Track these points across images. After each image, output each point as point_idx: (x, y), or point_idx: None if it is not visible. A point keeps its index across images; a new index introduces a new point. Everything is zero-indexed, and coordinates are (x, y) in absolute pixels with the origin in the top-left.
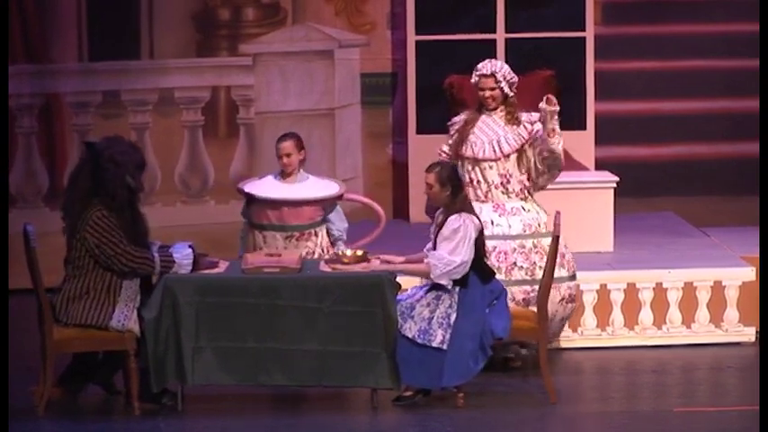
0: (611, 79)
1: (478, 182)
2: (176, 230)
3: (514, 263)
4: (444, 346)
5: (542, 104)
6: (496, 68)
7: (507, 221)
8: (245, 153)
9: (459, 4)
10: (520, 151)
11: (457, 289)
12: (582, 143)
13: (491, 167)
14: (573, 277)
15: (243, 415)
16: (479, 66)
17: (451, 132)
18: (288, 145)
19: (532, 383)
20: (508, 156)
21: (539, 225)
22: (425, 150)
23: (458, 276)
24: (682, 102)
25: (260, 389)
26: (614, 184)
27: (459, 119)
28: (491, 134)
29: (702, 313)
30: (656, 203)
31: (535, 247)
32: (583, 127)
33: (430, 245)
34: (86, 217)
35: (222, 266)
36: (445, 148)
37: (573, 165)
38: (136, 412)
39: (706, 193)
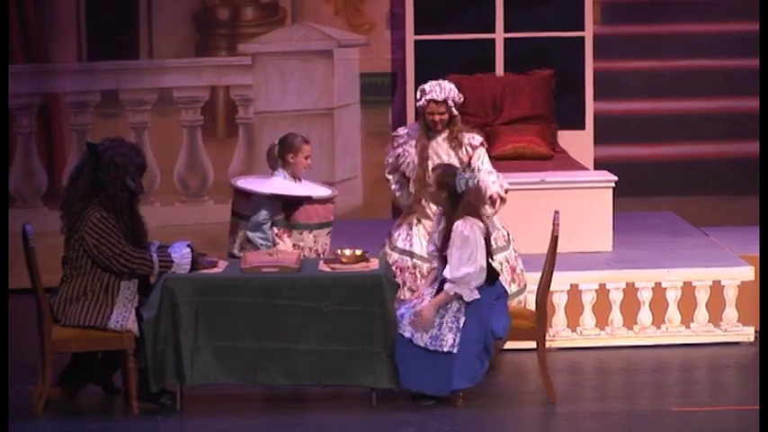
0: (610, 79)
1: (428, 202)
2: (175, 230)
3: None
4: (455, 350)
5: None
6: (448, 95)
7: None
8: (243, 153)
9: (458, 4)
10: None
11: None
12: (581, 143)
13: None
14: (522, 291)
15: (242, 415)
16: (428, 89)
17: (395, 144)
18: (310, 147)
19: (531, 383)
20: None
21: (497, 240)
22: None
23: (480, 283)
24: (680, 101)
25: (259, 388)
26: (613, 184)
27: (405, 132)
28: (437, 159)
29: (701, 313)
30: (655, 203)
31: (506, 260)
32: (582, 126)
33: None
34: (85, 217)
35: (221, 266)
36: (391, 160)
37: (572, 164)
38: (135, 412)
39: (705, 193)
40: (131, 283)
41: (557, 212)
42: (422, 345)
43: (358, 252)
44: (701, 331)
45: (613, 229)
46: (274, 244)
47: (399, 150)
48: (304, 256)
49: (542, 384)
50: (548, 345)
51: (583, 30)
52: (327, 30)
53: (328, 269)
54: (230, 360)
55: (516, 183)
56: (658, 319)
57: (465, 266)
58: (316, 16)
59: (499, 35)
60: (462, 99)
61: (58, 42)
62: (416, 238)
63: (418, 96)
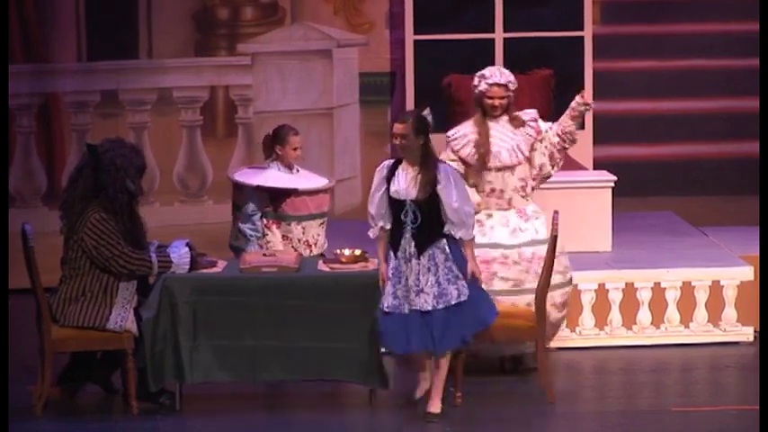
0: (610, 79)
1: (501, 190)
2: (175, 230)
3: (551, 267)
4: (463, 298)
5: (576, 101)
6: (510, 79)
7: (533, 226)
8: (243, 152)
9: (457, 4)
10: (531, 151)
11: (444, 240)
12: (580, 142)
13: (512, 173)
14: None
15: (241, 414)
16: (488, 74)
17: (456, 147)
18: (300, 138)
19: (531, 383)
20: (527, 158)
21: (551, 227)
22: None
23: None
24: (680, 101)
25: (258, 387)
26: (612, 184)
27: (461, 131)
28: (507, 140)
29: (700, 313)
30: (655, 203)
31: (560, 249)
32: (581, 126)
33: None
34: (85, 218)
35: (220, 266)
36: (453, 165)
37: (571, 164)
38: (134, 411)
39: (704, 193)
40: (130, 283)
41: (556, 212)
42: (429, 308)
43: (357, 252)
44: (701, 331)
45: (613, 229)
46: (264, 235)
47: (474, 149)
48: (294, 249)
49: (542, 384)
50: (547, 344)
51: (582, 29)
52: (327, 29)
53: (327, 269)
54: (229, 358)
55: None
56: (658, 319)
57: (467, 205)
58: (315, 16)
59: (499, 35)
60: (517, 85)
61: (58, 42)
62: (496, 230)
63: (476, 82)
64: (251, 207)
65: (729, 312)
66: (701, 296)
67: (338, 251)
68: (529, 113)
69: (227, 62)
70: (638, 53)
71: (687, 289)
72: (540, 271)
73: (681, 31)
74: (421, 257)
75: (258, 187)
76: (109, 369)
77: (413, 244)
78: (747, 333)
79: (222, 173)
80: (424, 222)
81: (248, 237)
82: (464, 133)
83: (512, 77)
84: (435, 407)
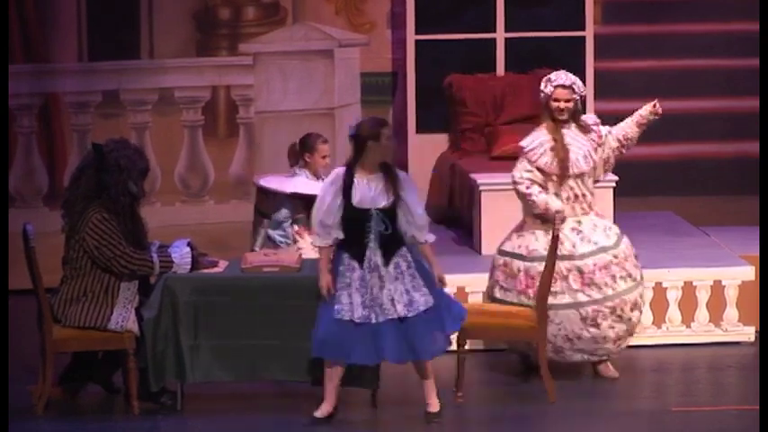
0: (611, 79)
1: (583, 195)
2: (176, 230)
3: (636, 257)
4: (430, 304)
5: (647, 110)
6: (574, 81)
7: (610, 224)
8: (244, 152)
9: (458, 4)
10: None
11: (405, 248)
12: None
13: (589, 177)
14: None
15: (242, 414)
16: (554, 77)
17: (533, 157)
18: (329, 146)
19: (532, 382)
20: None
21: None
22: (425, 150)
23: None
24: (681, 101)
25: (259, 387)
26: (614, 184)
27: (536, 141)
28: (581, 145)
29: (702, 312)
30: (656, 203)
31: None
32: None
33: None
34: (86, 218)
35: (221, 266)
36: (526, 175)
37: None
38: (135, 411)
39: (706, 193)
40: (131, 284)
41: (557, 212)
42: (400, 316)
43: None
44: (702, 331)
45: None
46: (294, 242)
47: (541, 161)
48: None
49: (543, 384)
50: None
51: (583, 29)
52: (328, 29)
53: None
54: (230, 358)
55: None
56: (659, 319)
57: (423, 208)
58: (316, 16)
59: (500, 35)
60: (584, 92)
61: (59, 42)
62: (595, 235)
63: (543, 86)
64: (283, 213)
65: (731, 312)
66: (703, 296)
67: None
68: (591, 118)
69: (229, 62)
70: (638, 53)
71: (688, 289)
72: (637, 263)
73: (681, 30)
74: (388, 266)
75: (293, 194)
76: (110, 369)
77: (379, 253)
78: (749, 333)
79: (224, 173)
80: (391, 230)
81: (278, 243)
82: (540, 142)
83: (577, 81)
84: (435, 406)
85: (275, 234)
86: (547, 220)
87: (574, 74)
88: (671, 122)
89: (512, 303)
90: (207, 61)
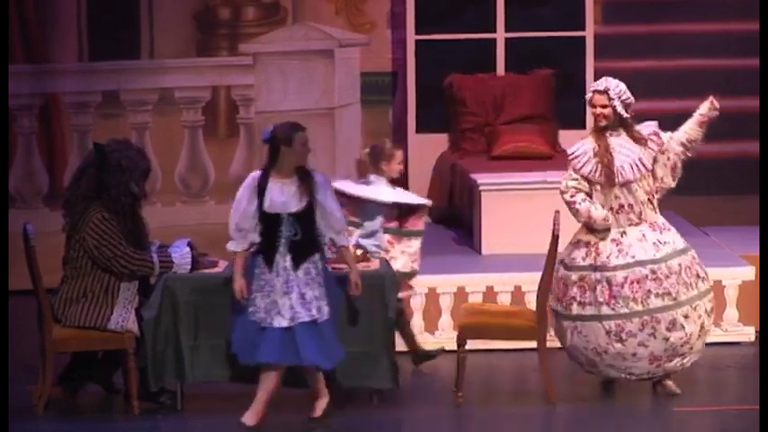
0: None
1: (630, 205)
2: (176, 230)
3: (697, 275)
4: (325, 317)
5: (706, 107)
6: (611, 85)
7: (670, 237)
8: (245, 153)
9: (458, 4)
10: (655, 163)
11: (317, 255)
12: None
13: (639, 187)
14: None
15: (241, 414)
16: (596, 82)
17: (579, 165)
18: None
19: (532, 383)
20: (651, 171)
21: (681, 235)
22: (425, 149)
23: None
24: (681, 101)
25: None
26: None
27: (581, 149)
28: (630, 153)
29: None
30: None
31: (695, 256)
32: (582, 126)
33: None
34: (87, 218)
35: (221, 266)
36: (572, 183)
37: None
38: (135, 411)
39: (706, 193)
40: (131, 284)
41: (557, 212)
42: (309, 319)
43: (358, 252)
44: None
45: None
46: (386, 251)
47: (585, 170)
48: (413, 264)
49: (543, 384)
50: (548, 344)
51: (583, 29)
52: (328, 29)
53: (329, 268)
54: (230, 358)
55: (517, 182)
56: None
57: (341, 212)
58: (316, 16)
59: (500, 35)
60: (632, 100)
61: (59, 42)
62: (635, 246)
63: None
64: (379, 222)
65: (731, 312)
66: None
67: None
68: (649, 126)
69: (229, 62)
70: (638, 53)
71: None
72: (688, 281)
73: (681, 30)
74: (297, 271)
75: (393, 203)
76: (110, 369)
77: (289, 258)
78: (749, 333)
79: (224, 173)
80: (303, 236)
81: (371, 252)
82: (584, 150)
83: (616, 87)
84: (252, 420)
85: (368, 243)
86: (594, 229)
87: (574, 74)
88: (671, 122)
89: (592, 317)
90: (207, 61)
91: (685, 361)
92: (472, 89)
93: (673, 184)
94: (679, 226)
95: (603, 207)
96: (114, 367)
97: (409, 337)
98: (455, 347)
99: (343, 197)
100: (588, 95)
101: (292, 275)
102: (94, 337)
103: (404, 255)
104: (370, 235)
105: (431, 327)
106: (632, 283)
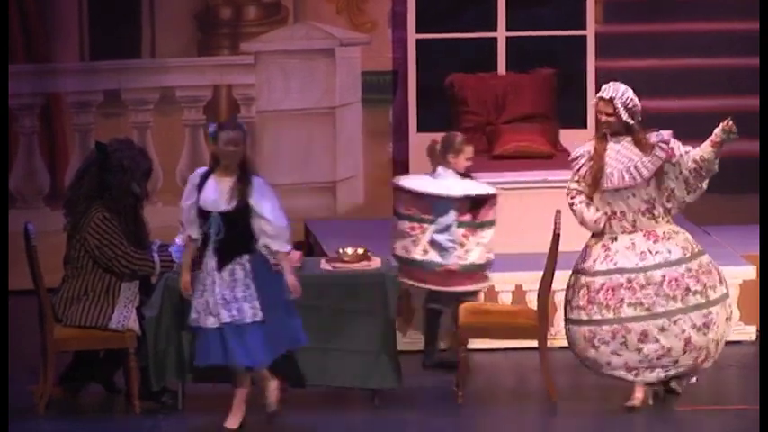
0: (612, 78)
1: (622, 212)
2: (177, 230)
3: (687, 288)
4: (257, 318)
5: (722, 128)
6: (615, 94)
7: (665, 247)
8: (246, 152)
9: (459, 3)
10: (659, 174)
11: (247, 257)
12: (583, 141)
13: (633, 195)
14: (728, 294)
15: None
16: (602, 88)
17: (577, 167)
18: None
19: (533, 382)
20: (648, 180)
21: (693, 245)
22: (426, 149)
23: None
24: (683, 100)
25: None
26: None
27: (582, 151)
28: (625, 161)
29: None
30: None
31: (700, 267)
32: (583, 125)
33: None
34: (88, 218)
35: None
36: (573, 186)
37: None
38: (136, 411)
39: (708, 192)
40: (132, 283)
41: (558, 212)
42: (229, 321)
43: (359, 250)
44: None
45: None
46: (461, 245)
47: (589, 171)
48: (488, 257)
49: (544, 383)
50: (549, 343)
51: (585, 28)
52: (329, 28)
53: (329, 268)
54: None
55: (518, 182)
56: None
57: (281, 218)
58: (318, 15)
59: (501, 34)
60: (638, 107)
61: (60, 42)
62: (620, 254)
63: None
64: (452, 217)
65: (732, 311)
66: None
67: (340, 250)
68: (661, 134)
69: (230, 61)
70: (640, 52)
71: None
72: (670, 293)
73: (683, 29)
74: (222, 272)
75: (465, 196)
76: (111, 368)
77: (214, 258)
78: (750, 332)
79: None
80: (228, 236)
81: (447, 248)
82: (583, 152)
83: (623, 96)
84: (234, 423)
85: (443, 238)
86: (593, 232)
87: (575, 73)
88: (672, 121)
89: (574, 321)
90: (208, 60)
91: (670, 373)
92: (473, 88)
93: (687, 198)
94: (680, 225)
95: (599, 211)
96: (115, 367)
97: (448, 338)
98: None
99: (410, 194)
100: (594, 101)
101: (217, 276)
102: (96, 336)
103: (479, 246)
104: (445, 230)
105: None
106: (608, 290)
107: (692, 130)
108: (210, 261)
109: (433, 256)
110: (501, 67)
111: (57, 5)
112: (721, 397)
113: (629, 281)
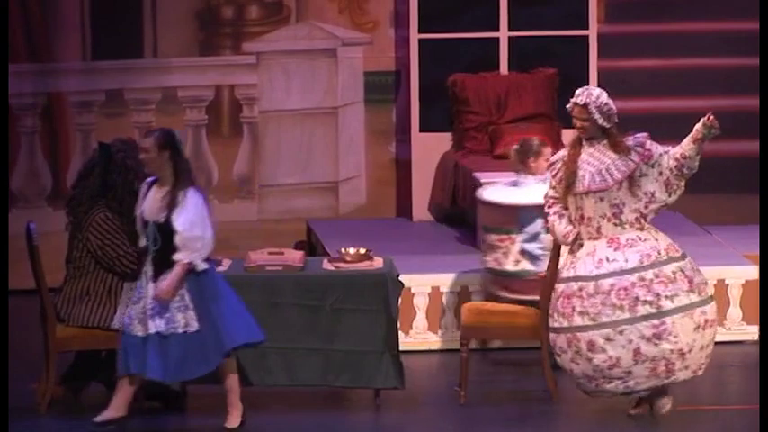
0: (615, 77)
1: (589, 218)
2: None
3: (636, 298)
4: (190, 329)
5: (703, 122)
6: (588, 99)
7: (623, 255)
8: (248, 152)
9: (462, 3)
10: (632, 177)
11: None
12: None
13: (602, 199)
14: (705, 301)
15: (246, 413)
16: (577, 92)
17: (553, 173)
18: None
19: (534, 381)
20: (620, 183)
21: (658, 253)
22: (428, 148)
23: (208, 253)
24: (685, 100)
25: (263, 386)
26: None
27: (557, 156)
28: (598, 164)
29: None
30: None
31: (657, 276)
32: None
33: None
34: (90, 217)
35: (225, 264)
36: (551, 193)
37: None
38: (139, 410)
39: (709, 191)
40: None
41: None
42: (162, 330)
43: (362, 250)
44: None
45: None
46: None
47: (562, 175)
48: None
49: (546, 383)
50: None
51: (587, 28)
52: (331, 28)
53: (332, 267)
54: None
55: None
56: None
57: (198, 229)
58: (320, 15)
59: (503, 34)
60: (614, 111)
61: (62, 41)
62: (581, 261)
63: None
64: (539, 224)
65: (734, 311)
66: None
67: (343, 250)
68: (637, 138)
69: (232, 61)
70: (643, 52)
71: None
72: (618, 302)
73: (685, 29)
74: (157, 281)
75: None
76: (113, 368)
77: (151, 267)
78: (752, 332)
79: (228, 172)
80: (163, 247)
81: (538, 256)
82: (559, 157)
83: (597, 99)
84: (233, 422)
85: (533, 247)
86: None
87: (577, 73)
88: (675, 121)
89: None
90: (210, 60)
91: (629, 384)
92: (475, 88)
93: (668, 200)
94: (682, 225)
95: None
96: None
97: None
98: (458, 346)
99: (495, 206)
100: (569, 106)
101: (151, 286)
102: (98, 336)
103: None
104: (533, 238)
105: (434, 326)
106: (565, 297)
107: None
108: (149, 270)
109: (526, 266)
110: (503, 67)
111: (59, 5)
112: (721, 397)
113: (581, 289)
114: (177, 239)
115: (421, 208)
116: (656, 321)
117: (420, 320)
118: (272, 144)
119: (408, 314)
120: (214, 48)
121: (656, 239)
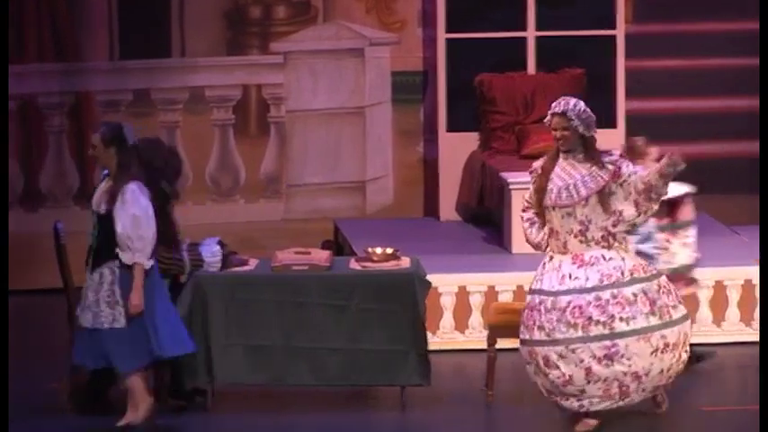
0: (642, 77)
1: (557, 232)
2: (206, 229)
3: (590, 318)
4: (117, 325)
5: (667, 158)
6: (566, 108)
7: (585, 273)
8: (275, 151)
9: (489, 2)
10: (601, 194)
11: (117, 262)
12: (612, 142)
13: (569, 214)
14: (667, 324)
15: (269, 412)
16: (554, 103)
17: (532, 180)
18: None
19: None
20: (587, 199)
21: (621, 274)
22: (456, 148)
23: (150, 250)
24: (713, 99)
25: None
26: None
27: (535, 166)
28: (567, 178)
29: (732, 311)
30: None
31: (614, 297)
32: (613, 125)
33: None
34: None
35: (251, 264)
36: (527, 196)
37: None
38: (165, 409)
39: (739, 191)
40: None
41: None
42: (88, 326)
43: (389, 250)
44: (733, 330)
45: None
46: (665, 249)
47: (534, 186)
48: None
49: None
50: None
51: (614, 28)
52: (359, 28)
53: (359, 267)
54: (259, 360)
55: None
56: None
57: (139, 228)
58: (347, 14)
59: (530, 33)
60: (593, 118)
61: (90, 41)
62: (546, 275)
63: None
64: (651, 224)
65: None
66: (733, 295)
67: (370, 249)
68: (611, 156)
69: (259, 61)
70: (670, 51)
71: (719, 288)
72: (572, 321)
73: (713, 29)
74: (93, 274)
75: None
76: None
77: (91, 259)
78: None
79: (255, 172)
80: (101, 239)
81: (653, 255)
82: (536, 168)
83: (575, 107)
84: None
85: (647, 247)
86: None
87: (605, 73)
88: (703, 120)
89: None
90: (237, 60)
91: (584, 403)
92: (502, 88)
93: (638, 219)
94: (710, 225)
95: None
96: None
97: None
98: (485, 346)
99: None
100: (547, 119)
101: (89, 278)
102: None
103: (684, 247)
104: (646, 239)
105: (461, 326)
106: (528, 309)
107: (723, 129)
108: (90, 261)
109: None
110: (530, 67)
111: (87, 5)
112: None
113: (540, 303)
114: (118, 239)
115: (448, 208)
116: (608, 342)
117: (447, 320)
118: (299, 144)
119: (435, 314)
120: (241, 47)
121: (623, 259)
